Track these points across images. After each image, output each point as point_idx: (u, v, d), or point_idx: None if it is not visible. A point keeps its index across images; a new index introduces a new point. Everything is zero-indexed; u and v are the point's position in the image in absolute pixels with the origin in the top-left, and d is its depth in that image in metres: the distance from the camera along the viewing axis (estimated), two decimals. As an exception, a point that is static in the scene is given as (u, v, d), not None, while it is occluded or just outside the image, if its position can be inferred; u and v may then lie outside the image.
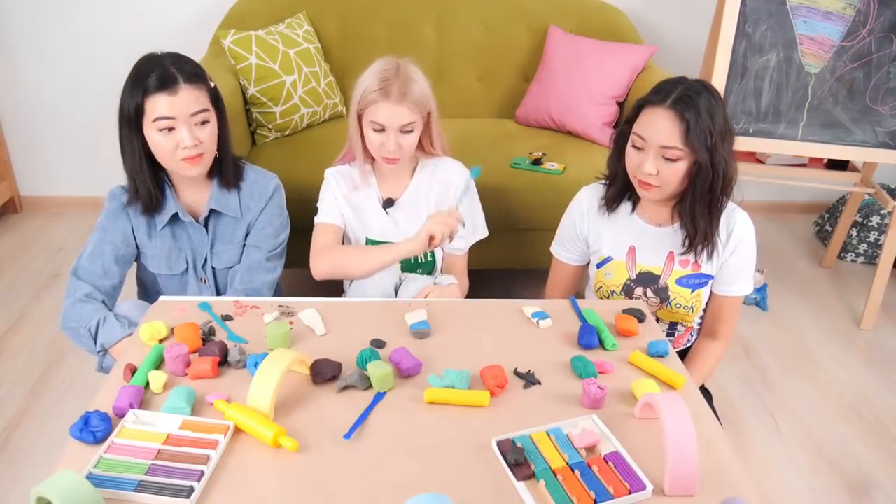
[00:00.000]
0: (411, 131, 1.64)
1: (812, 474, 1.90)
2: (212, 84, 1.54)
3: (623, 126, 1.52)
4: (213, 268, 1.67)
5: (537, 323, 1.43)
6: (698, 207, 1.48)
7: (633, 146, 1.47)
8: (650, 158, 1.44)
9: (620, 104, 2.54)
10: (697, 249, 1.53)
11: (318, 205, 1.81)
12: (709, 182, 1.44)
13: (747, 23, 2.28)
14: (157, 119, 1.45)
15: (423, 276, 1.75)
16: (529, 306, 1.48)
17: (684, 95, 1.40)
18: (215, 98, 1.55)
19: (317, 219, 1.78)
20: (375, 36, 2.64)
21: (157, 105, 1.44)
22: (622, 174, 1.55)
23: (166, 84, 1.44)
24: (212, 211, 1.63)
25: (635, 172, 1.48)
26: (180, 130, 1.47)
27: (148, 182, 1.54)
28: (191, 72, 1.49)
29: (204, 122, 1.50)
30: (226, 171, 1.61)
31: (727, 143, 1.44)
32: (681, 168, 1.43)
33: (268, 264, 1.66)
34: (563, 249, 1.71)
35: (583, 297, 1.74)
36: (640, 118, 1.46)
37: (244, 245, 1.67)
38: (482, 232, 1.88)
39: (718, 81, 2.30)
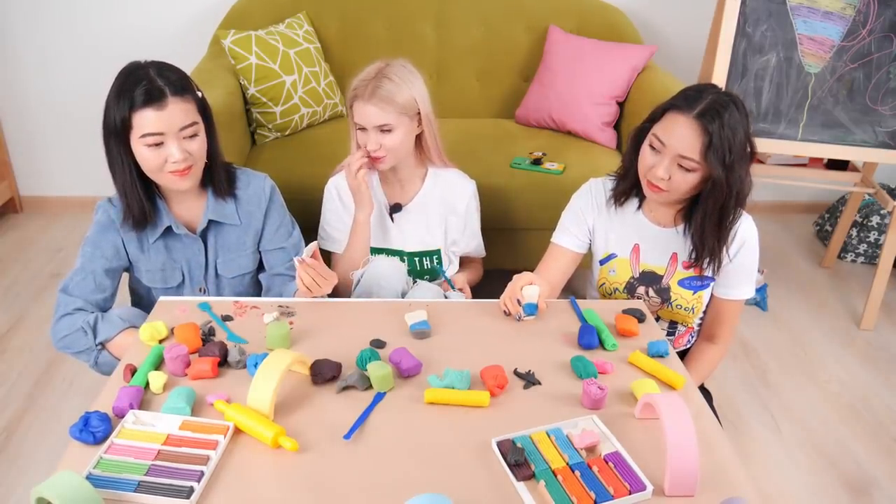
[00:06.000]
0: (390, 131, 1.65)
1: (812, 474, 1.90)
2: (199, 94, 1.49)
3: (644, 124, 1.50)
4: (217, 276, 1.64)
5: (521, 315, 1.43)
6: (708, 225, 1.46)
7: (651, 147, 1.46)
8: (665, 164, 1.42)
9: (620, 104, 2.54)
10: (703, 263, 1.53)
11: (324, 225, 1.83)
12: (722, 200, 1.42)
13: (747, 23, 2.28)
14: (145, 135, 1.40)
15: (432, 284, 1.75)
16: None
17: (711, 108, 1.38)
18: (202, 107, 1.49)
19: (326, 245, 1.84)
20: (375, 36, 2.64)
21: (145, 120, 1.39)
22: (634, 171, 1.53)
23: (153, 98, 1.38)
24: (211, 222, 1.59)
25: (646, 173, 1.47)
26: (169, 146, 1.41)
27: (141, 198, 1.49)
28: (178, 83, 1.42)
29: (193, 136, 1.45)
30: (218, 180, 1.56)
31: (745, 161, 1.42)
32: (693, 178, 1.42)
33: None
34: (566, 234, 1.67)
35: (580, 295, 1.74)
36: (664, 121, 1.44)
37: (254, 252, 1.65)
38: (481, 252, 1.97)
39: (718, 81, 2.30)
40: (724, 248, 1.50)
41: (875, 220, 2.92)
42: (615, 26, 2.67)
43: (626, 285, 1.63)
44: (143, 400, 1.19)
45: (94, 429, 1.09)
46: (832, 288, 2.80)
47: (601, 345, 1.39)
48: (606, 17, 2.69)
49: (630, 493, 1.02)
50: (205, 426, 1.12)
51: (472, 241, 1.91)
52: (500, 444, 1.11)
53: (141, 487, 1.01)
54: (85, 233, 1.57)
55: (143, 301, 1.67)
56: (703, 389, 1.67)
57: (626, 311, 1.48)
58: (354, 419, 1.16)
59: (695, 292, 1.60)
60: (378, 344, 1.36)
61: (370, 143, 1.65)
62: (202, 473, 1.03)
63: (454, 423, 1.17)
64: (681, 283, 1.59)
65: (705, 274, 1.57)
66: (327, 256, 1.87)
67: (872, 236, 2.94)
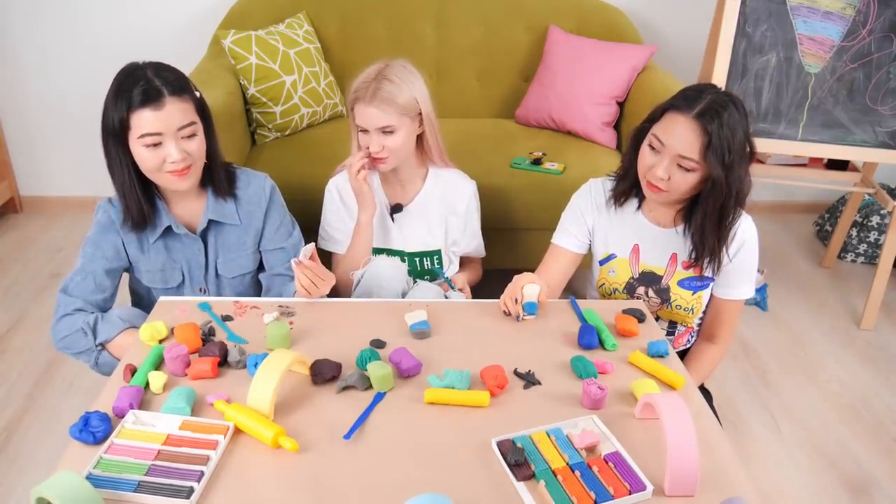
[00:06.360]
0: (392, 133, 1.65)
1: (812, 474, 1.90)
2: (197, 93, 1.49)
3: (643, 124, 1.50)
4: (217, 277, 1.64)
5: (521, 315, 1.43)
6: (708, 225, 1.46)
7: (650, 147, 1.45)
8: (664, 164, 1.42)
9: (620, 104, 2.54)
10: (703, 263, 1.53)
11: (324, 226, 1.83)
12: (721, 200, 1.42)
13: (747, 23, 2.28)
14: (143, 135, 1.39)
15: (433, 284, 1.75)
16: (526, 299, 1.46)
17: (711, 108, 1.38)
18: (201, 107, 1.49)
19: (327, 245, 1.83)
20: (375, 36, 2.64)
21: (143, 120, 1.39)
22: (634, 171, 1.53)
23: (151, 98, 1.38)
24: (211, 221, 1.59)
25: (646, 174, 1.47)
26: (167, 146, 1.41)
27: (140, 198, 1.49)
28: (175, 83, 1.42)
29: (191, 136, 1.45)
30: (217, 180, 1.56)
31: (745, 161, 1.42)
32: (692, 179, 1.42)
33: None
34: (566, 235, 1.67)
35: (580, 295, 1.74)
36: (663, 121, 1.44)
37: (255, 252, 1.65)
38: (481, 252, 1.97)
39: (718, 81, 2.30)
40: (724, 248, 1.50)
41: (875, 220, 2.92)
42: (615, 26, 2.67)
43: (626, 286, 1.63)
44: (143, 400, 1.19)
45: (94, 429, 1.09)
46: (832, 288, 2.80)
47: (601, 345, 1.39)
48: (606, 17, 2.69)
49: (630, 493, 1.02)
50: (205, 426, 1.12)
51: (472, 242, 1.91)
52: (500, 444, 1.11)
53: (141, 487, 1.01)
54: (85, 233, 1.57)
55: (143, 301, 1.67)
56: (703, 389, 1.67)
57: (626, 311, 1.48)
58: (354, 419, 1.16)
59: (694, 292, 1.60)
60: (378, 344, 1.36)
61: (373, 144, 1.66)
62: (202, 473, 1.03)
63: (454, 423, 1.17)
64: (680, 283, 1.59)
65: (705, 274, 1.57)
66: (328, 257, 1.87)
67: (872, 236, 2.94)
